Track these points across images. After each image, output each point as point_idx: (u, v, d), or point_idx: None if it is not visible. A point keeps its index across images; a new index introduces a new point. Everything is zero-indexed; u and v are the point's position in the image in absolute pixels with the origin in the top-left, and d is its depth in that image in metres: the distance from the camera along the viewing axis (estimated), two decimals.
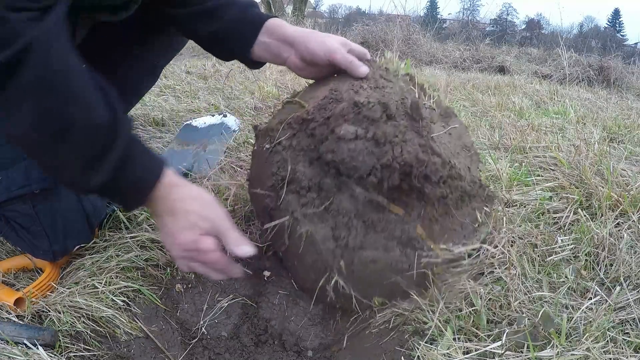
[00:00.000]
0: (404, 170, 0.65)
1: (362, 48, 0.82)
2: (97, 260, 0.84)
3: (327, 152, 0.68)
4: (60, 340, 0.67)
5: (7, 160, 0.71)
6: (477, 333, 0.66)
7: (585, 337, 0.64)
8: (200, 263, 0.64)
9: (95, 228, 0.84)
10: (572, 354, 0.60)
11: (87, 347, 0.69)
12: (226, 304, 0.86)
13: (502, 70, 4.14)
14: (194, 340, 0.81)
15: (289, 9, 7.07)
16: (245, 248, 0.62)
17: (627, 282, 0.77)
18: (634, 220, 0.93)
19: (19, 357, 0.62)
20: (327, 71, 0.81)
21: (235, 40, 0.82)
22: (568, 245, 0.86)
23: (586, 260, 0.83)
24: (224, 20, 0.80)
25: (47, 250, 0.77)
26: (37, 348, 0.63)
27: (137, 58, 0.91)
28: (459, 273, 0.72)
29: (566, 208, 1.00)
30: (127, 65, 0.92)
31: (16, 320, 0.69)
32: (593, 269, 0.81)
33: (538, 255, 0.83)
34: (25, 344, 0.64)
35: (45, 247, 0.77)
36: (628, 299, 0.72)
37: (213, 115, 1.54)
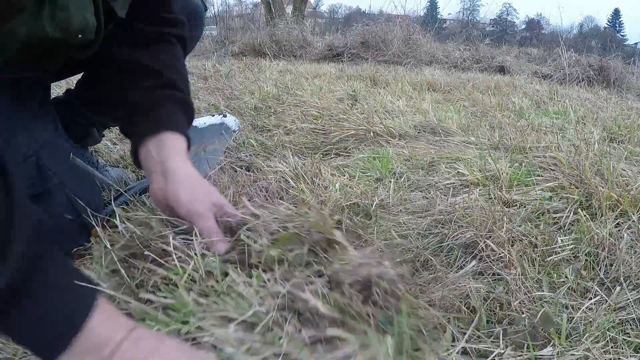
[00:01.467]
0: None
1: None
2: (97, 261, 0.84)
3: None
4: None
5: None
6: (477, 333, 0.66)
7: (585, 337, 0.64)
8: None
9: (90, 230, 0.83)
10: (572, 354, 0.60)
11: None
12: None
13: (502, 70, 4.14)
14: None
15: (289, 9, 7.07)
16: None
17: (627, 282, 0.77)
18: (634, 220, 0.93)
19: (20, 357, 0.62)
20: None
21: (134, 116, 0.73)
22: (568, 245, 0.86)
23: (586, 260, 0.83)
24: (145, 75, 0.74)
25: None
26: None
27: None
28: None
29: (566, 208, 1.00)
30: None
31: None
32: (593, 269, 0.81)
33: (538, 255, 0.83)
34: None
35: None
36: (628, 299, 0.72)
37: (213, 115, 1.54)
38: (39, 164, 0.71)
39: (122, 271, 0.58)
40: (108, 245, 0.65)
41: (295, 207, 0.69)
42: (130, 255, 0.62)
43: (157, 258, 0.59)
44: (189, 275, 0.56)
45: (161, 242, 0.62)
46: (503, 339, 0.63)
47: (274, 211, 0.67)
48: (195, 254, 0.58)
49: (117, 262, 0.59)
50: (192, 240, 0.62)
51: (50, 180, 0.73)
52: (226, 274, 0.57)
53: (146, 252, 0.60)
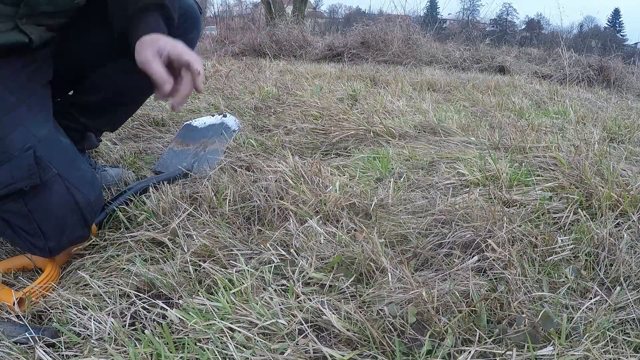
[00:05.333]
0: None
1: (187, 56, 0.76)
2: (97, 261, 0.84)
3: None
4: (60, 339, 0.67)
5: None
6: (477, 333, 0.66)
7: (585, 337, 0.63)
8: None
9: (91, 223, 0.83)
10: (572, 354, 0.60)
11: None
12: None
13: (502, 70, 4.14)
14: None
15: (289, 9, 7.06)
16: None
17: (627, 282, 0.77)
18: (634, 220, 0.93)
19: (19, 357, 0.62)
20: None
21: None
22: (568, 245, 0.86)
23: (586, 260, 0.83)
24: None
25: (43, 247, 0.77)
26: (37, 348, 0.63)
27: (137, 70, 0.91)
28: None
29: (566, 208, 1.00)
30: (127, 78, 0.93)
31: (16, 320, 0.69)
32: (593, 269, 0.81)
33: (538, 255, 0.83)
34: (25, 344, 0.64)
35: (40, 244, 0.76)
36: (628, 299, 0.72)
37: (213, 115, 1.54)
38: (36, 155, 0.72)
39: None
40: (185, 249, 0.84)
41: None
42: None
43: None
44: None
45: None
46: (503, 339, 0.63)
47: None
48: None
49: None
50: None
51: (48, 171, 0.74)
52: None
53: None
